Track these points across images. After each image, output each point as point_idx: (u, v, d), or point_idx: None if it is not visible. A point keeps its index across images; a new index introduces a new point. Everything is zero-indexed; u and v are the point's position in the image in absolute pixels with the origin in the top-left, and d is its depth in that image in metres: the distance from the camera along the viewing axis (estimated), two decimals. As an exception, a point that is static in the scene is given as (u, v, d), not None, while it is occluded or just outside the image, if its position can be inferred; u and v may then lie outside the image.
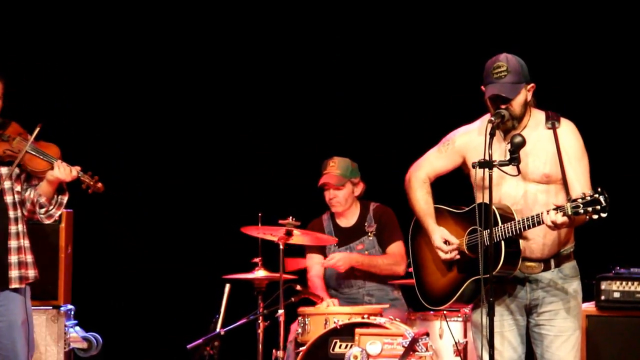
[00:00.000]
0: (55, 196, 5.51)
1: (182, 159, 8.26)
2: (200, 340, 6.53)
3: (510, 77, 4.85)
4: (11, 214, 5.46)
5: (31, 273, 5.52)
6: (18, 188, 5.50)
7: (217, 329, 6.53)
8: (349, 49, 8.07)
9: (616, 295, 6.28)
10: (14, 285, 5.43)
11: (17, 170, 5.49)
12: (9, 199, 5.47)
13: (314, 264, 7.01)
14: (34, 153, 5.44)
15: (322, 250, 7.05)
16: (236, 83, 8.22)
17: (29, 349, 5.47)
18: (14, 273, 5.43)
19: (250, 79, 8.20)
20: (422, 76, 7.85)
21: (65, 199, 5.55)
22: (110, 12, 8.10)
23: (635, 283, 6.27)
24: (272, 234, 6.55)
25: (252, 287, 6.62)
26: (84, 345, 6.68)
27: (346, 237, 7.00)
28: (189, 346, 6.59)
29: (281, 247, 6.50)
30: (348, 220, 7.05)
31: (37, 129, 5.46)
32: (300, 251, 7.11)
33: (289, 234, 6.50)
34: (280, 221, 6.52)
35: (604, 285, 6.30)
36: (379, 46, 8.04)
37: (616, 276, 6.31)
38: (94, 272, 7.79)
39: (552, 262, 4.95)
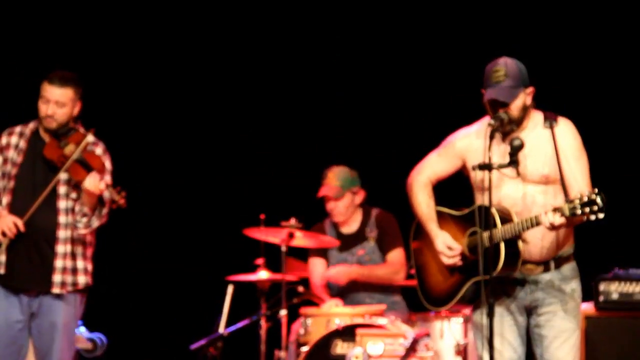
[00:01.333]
0: (99, 207, 5.59)
1: (184, 161, 8.25)
2: (203, 341, 6.56)
3: (508, 82, 4.88)
4: (61, 219, 5.54)
5: (81, 279, 5.59)
6: (74, 195, 5.58)
7: (220, 330, 6.56)
8: (349, 49, 8.06)
9: (615, 296, 6.28)
10: (56, 290, 5.51)
11: (70, 178, 5.59)
12: (62, 204, 5.55)
13: (316, 269, 7.03)
14: (78, 162, 5.55)
15: (324, 255, 7.04)
16: (237, 83, 8.21)
17: (68, 353, 5.57)
18: (57, 277, 5.51)
19: (250, 80, 8.18)
20: (422, 76, 7.84)
21: (105, 211, 5.63)
22: (110, 13, 8.10)
23: (634, 284, 6.27)
24: (274, 235, 6.57)
25: (254, 288, 6.64)
26: (89, 345, 6.70)
27: (348, 243, 7.00)
28: (192, 347, 6.62)
29: (283, 249, 6.52)
30: (350, 227, 7.04)
31: (88, 136, 5.60)
32: (302, 254, 7.13)
33: (291, 236, 6.52)
34: (283, 223, 6.54)
35: (602, 286, 6.29)
36: (379, 46, 8.03)
37: (615, 277, 6.30)
38: (98, 273, 7.79)
39: (552, 264, 4.97)
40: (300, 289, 6.66)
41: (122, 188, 5.59)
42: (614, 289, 6.28)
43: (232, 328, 6.57)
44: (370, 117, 8.09)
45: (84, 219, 5.55)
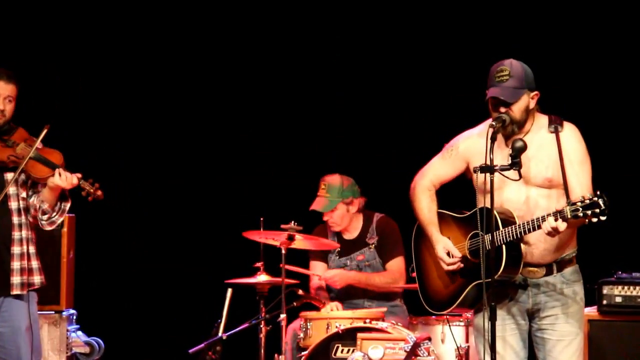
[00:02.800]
0: (58, 203, 5.49)
1: (183, 163, 8.24)
2: (202, 345, 6.52)
3: (511, 82, 4.85)
4: (15, 219, 5.44)
5: (37, 279, 5.50)
6: (24, 194, 5.48)
7: (219, 334, 6.52)
8: (349, 49, 8.06)
9: (618, 299, 6.27)
10: (16, 291, 5.41)
11: (23, 177, 5.47)
12: (13, 204, 5.45)
13: (316, 272, 6.99)
14: (36, 159, 5.42)
15: (324, 258, 7.03)
16: (236, 85, 8.21)
17: (35, 356, 5.45)
18: (15, 279, 5.41)
19: (249, 81, 8.19)
20: (422, 76, 7.84)
21: (68, 205, 5.53)
22: (110, 13, 8.09)
23: (637, 287, 6.26)
24: (274, 238, 6.54)
25: (254, 291, 6.61)
26: (86, 349, 6.68)
27: (348, 248, 6.98)
28: (191, 351, 6.58)
29: (283, 251, 6.49)
30: (351, 233, 7.03)
31: (44, 132, 5.45)
32: (302, 257, 7.09)
33: (291, 238, 6.49)
34: (283, 226, 6.51)
35: (606, 290, 6.29)
36: (379, 47, 8.03)
37: (618, 281, 6.30)
38: (96, 277, 7.79)
39: (554, 267, 4.95)
40: (300, 292, 6.63)
41: (95, 180, 5.51)
42: (617, 293, 6.28)
43: (232, 332, 6.52)
44: (371, 118, 8.09)
45: (45, 216, 5.47)
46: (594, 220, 4.59)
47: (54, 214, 5.49)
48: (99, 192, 5.50)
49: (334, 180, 6.93)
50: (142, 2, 8.14)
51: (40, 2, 8.03)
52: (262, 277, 6.53)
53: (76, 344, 6.61)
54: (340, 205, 6.89)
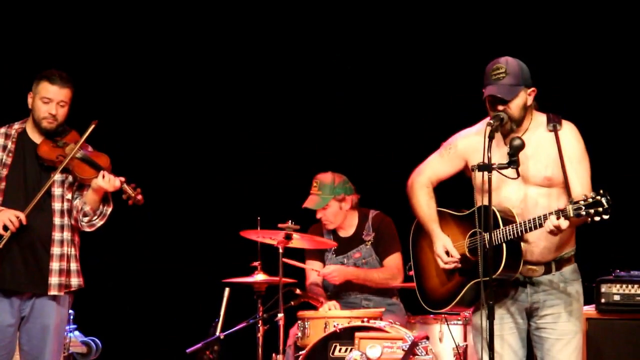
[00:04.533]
0: (100, 206, 5.56)
1: (181, 162, 8.25)
2: (200, 345, 6.51)
3: (508, 79, 4.85)
4: (57, 220, 5.50)
5: (74, 281, 5.56)
6: (69, 196, 5.54)
7: (217, 333, 6.51)
8: (349, 49, 8.07)
9: (616, 298, 6.27)
10: (53, 292, 5.46)
11: (70, 179, 5.55)
12: (57, 205, 5.51)
13: (313, 271, 6.99)
14: (82, 160, 5.51)
15: (321, 257, 7.04)
16: (235, 85, 8.22)
17: (58, 356, 5.52)
18: (54, 280, 5.47)
19: (248, 81, 8.19)
20: (422, 76, 7.85)
21: (110, 210, 5.61)
22: (110, 13, 8.09)
23: (636, 286, 6.26)
24: (271, 237, 6.53)
25: (251, 290, 6.60)
26: (84, 349, 6.68)
27: (344, 245, 6.98)
28: (188, 350, 6.56)
29: (281, 250, 6.48)
30: (346, 231, 7.04)
31: (90, 129, 5.56)
32: (300, 255, 7.09)
33: (288, 237, 6.48)
34: (280, 225, 6.50)
35: (604, 288, 6.29)
36: (379, 47, 8.04)
37: (616, 279, 6.30)
38: (92, 277, 7.75)
39: (553, 265, 4.94)
40: (298, 291, 6.62)
41: (137, 185, 5.57)
42: (615, 291, 6.28)
43: (229, 331, 6.51)
44: (370, 118, 8.09)
45: (86, 218, 5.52)
46: (597, 219, 4.58)
47: (95, 217, 5.56)
48: (140, 197, 5.58)
49: (325, 177, 6.94)
50: (143, 2, 8.12)
51: (38, 2, 8.03)
52: (260, 277, 6.52)
53: (73, 344, 6.61)
54: (332, 202, 6.90)
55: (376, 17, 8.01)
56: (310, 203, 6.91)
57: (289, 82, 8.12)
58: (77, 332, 6.70)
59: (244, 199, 7.98)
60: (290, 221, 6.49)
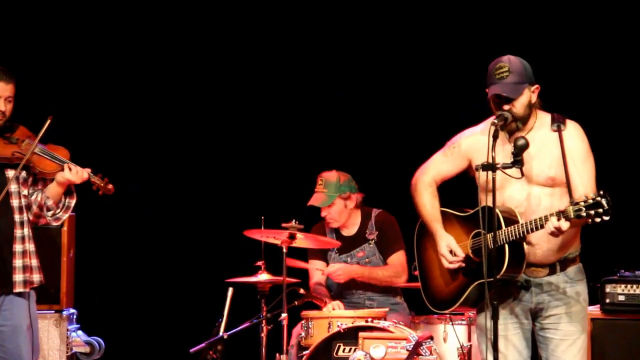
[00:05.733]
0: (63, 199, 5.47)
1: (184, 162, 8.25)
2: (203, 344, 6.50)
3: (512, 77, 4.83)
4: (17, 217, 5.41)
5: (36, 277, 5.47)
6: (25, 192, 5.46)
7: (220, 333, 6.50)
8: (349, 49, 8.07)
9: (621, 298, 6.26)
10: (18, 289, 5.38)
11: (24, 174, 5.45)
12: (15, 202, 5.42)
13: (316, 271, 6.98)
14: (42, 154, 5.40)
15: (324, 257, 7.02)
16: (236, 84, 8.21)
17: (34, 354, 5.43)
18: (18, 277, 5.38)
19: (250, 80, 8.19)
20: (422, 76, 7.85)
21: (73, 202, 5.51)
22: (111, 13, 8.08)
23: (640, 286, 6.26)
24: (275, 237, 6.52)
25: (255, 290, 6.59)
26: (87, 349, 6.67)
27: (348, 244, 6.97)
28: (191, 350, 6.56)
29: (284, 250, 6.47)
30: (349, 230, 7.02)
31: (47, 124, 5.41)
32: (302, 255, 7.08)
33: (292, 237, 6.47)
34: (284, 224, 6.49)
35: (608, 289, 6.28)
36: (379, 46, 8.03)
37: (621, 279, 6.30)
38: (96, 276, 7.77)
39: (557, 266, 4.92)
40: (301, 290, 6.61)
41: (104, 175, 5.49)
42: (620, 291, 6.27)
43: (233, 331, 6.50)
44: (371, 117, 8.09)
45: (50, 212, 5.45)
46: (597, 220, 4.56)
47: (59, 210, 5.48)
48: (110, 186, 5.50)
49: (330, 176, 6.94)
50: (143, 2, 8.12)
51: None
52: (263, 276, 6.51)
53: (76, 343, 6.60)
54: (337, 200, 6.89)
55: (376, 17, 8.00)
56: (316, 201, 6.90)
57: (290, 82, 8.12)
58: (80, 332, 6.69)
59: (248, 199, 7.97)
60: (294, 221, 6.48)
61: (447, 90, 7.63)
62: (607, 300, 6.27)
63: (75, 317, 6.73)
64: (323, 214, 6.95)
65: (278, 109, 8.19)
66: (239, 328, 6.54)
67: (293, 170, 7.99)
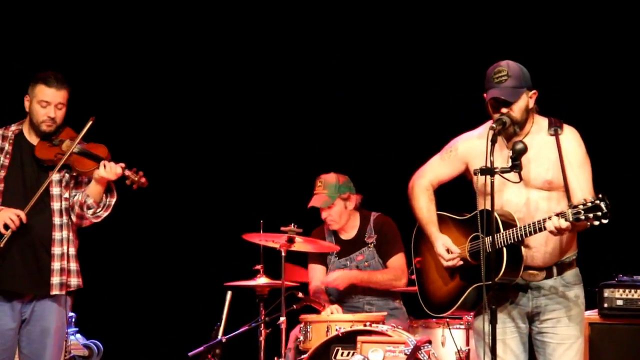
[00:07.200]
0: (104, 198, 5.55)
1: (183, 164, 8.25)
2: (202, 348, 6.51)
3: (510, 82, 4.85)
4: (56, 220, 5.49)
5: (73, 281, 5.54)
6: (66, 194, 5.53)
7: (219, 337, 6.50)
8: (349, 49, 8.08)
9: (619, 302, 6.26)
10: (55, 292, 5.45)
11: (67, 177, 5.54)
12: (56, 205, 5.50)
13: (316, 276, 6.99)
14: (81, 154, 5.50)
15: (323, 261, 7.03)
16: (236, 86, 8.23)
17: (59, 357, 5.51)
18: (55, 280, 5.45)
19: (249, 82, 8.21)
20: (422, 76, 7.86)
21: (114, 200, 5.60)
22: (112, 12, 8.09)
23: (638, 290, 6.26)
24: (273, 240, 6.52)
25: (253, 294, 6.59)
26: (85, 352, 6.68)
27: (347, 248, 6.97)
28: (190, 354, 6.56)
29: (283, 254, 6.47)
30: (348, 233, 7.03)
31: (87, 125, 5.53)
32: (302, 259, 7.08)
33: (290, 241, 6.47)
34: (282, 228, 6.49)
35: (606, 293, 6.28)
36: (379, 47, 8.05)
37: (619, 284, 6.30)
38: (94, 280, 7.75)
39: (555, 270, 4.93)
40: (300, 294, 6.61)
41: (138, 168, 5.58)
42: (618, 296, 6.27)
43: (231, 334, 6.50)
44: (371, 118, 8.09)
45: (90, 211, 5.51)
46: (596, 223, 4.57)
47: (99, 209, 5.55)
48: (143, 180, 5.59)
49: (329, 177, 6.95)
50: (143, 2, 8.13)
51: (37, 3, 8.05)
52: (262, 280, 6.52)
53: (75, 346, 6.60)
54: (338, 201, 6.90)
55: (376, 17, 8.02)
56: (316, 202, 6.90)
57: (290, 82, 8.13)
58: (78, 335, 6.69)
59: (247, 202, 7.98)
60: (293, 224, 6.49)
61: (447, 91, 7.64)
62: (605, 305, 6.27)
63: (73, 320, 6.73)
64: (323, 215, 6.95)
65: (277, 110, 8.20)
66: (237, 332, 6.55)
67: (292, 173, 8.00)
